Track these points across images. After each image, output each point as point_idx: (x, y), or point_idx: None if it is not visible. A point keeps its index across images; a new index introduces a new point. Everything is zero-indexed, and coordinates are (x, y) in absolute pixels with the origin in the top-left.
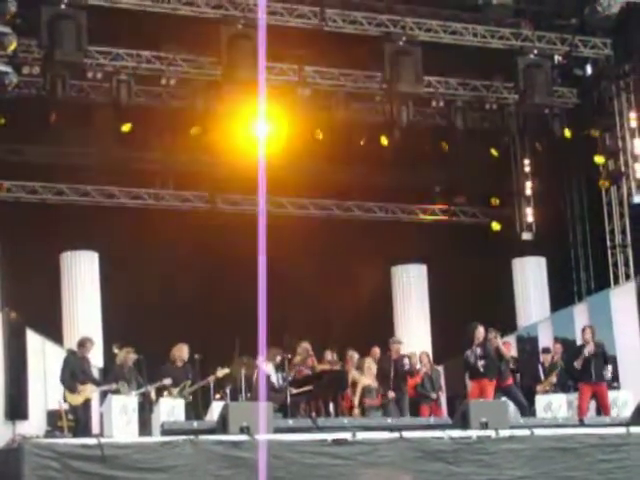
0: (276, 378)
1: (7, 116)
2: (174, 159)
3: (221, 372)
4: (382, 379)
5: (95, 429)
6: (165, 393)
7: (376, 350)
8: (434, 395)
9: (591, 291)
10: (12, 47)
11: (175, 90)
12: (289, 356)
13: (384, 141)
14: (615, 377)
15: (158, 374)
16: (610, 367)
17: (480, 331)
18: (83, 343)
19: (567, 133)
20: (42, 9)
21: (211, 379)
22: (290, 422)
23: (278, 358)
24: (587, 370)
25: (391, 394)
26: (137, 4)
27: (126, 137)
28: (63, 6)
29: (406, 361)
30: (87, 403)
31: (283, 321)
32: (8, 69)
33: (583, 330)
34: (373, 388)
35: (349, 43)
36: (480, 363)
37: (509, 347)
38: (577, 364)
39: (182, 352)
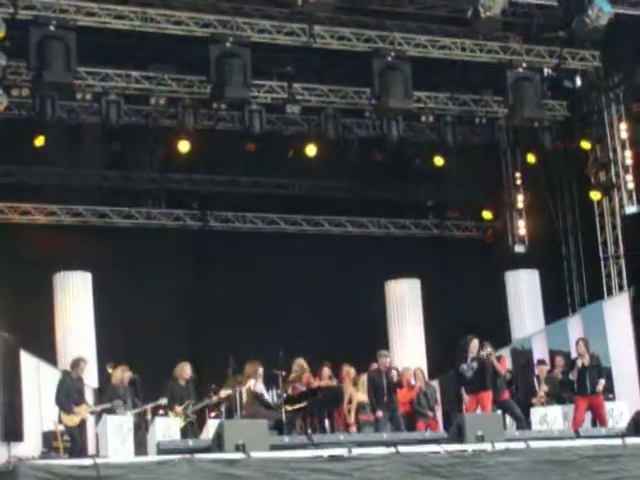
0: (269, 395)
1: None
2: (165, 178)
3: (224, 393)
4: (375, 393)
5: (91, 449)
6: (161, 412)
7: (375, 366)
8: (430, 413)
9: (585, 303)
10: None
11: (165, 109)
12: (284, 373)
13: (375, 156)
14: (610, 388)
15: (160, 392)
16: (603, 381)
17: (475, 344)
18: (77, 363)
19: (558, 146)
20: (31, 30)
21: (215, 399)
22: (286, 439)
23: (260, 370)
24: (582, 382)
25: (379, 413)
26: (126, 24)
27: (116, 157)
28: (52, 27)
29: (394, 373)
30: (83, 424)
31: (277, 337)
32: None
33: (577, 343)
34: (367, 404)
35: (338, 59)
36: (477, 375)
37: (504, 362)
38: (572, 376)
39: (184, 371)
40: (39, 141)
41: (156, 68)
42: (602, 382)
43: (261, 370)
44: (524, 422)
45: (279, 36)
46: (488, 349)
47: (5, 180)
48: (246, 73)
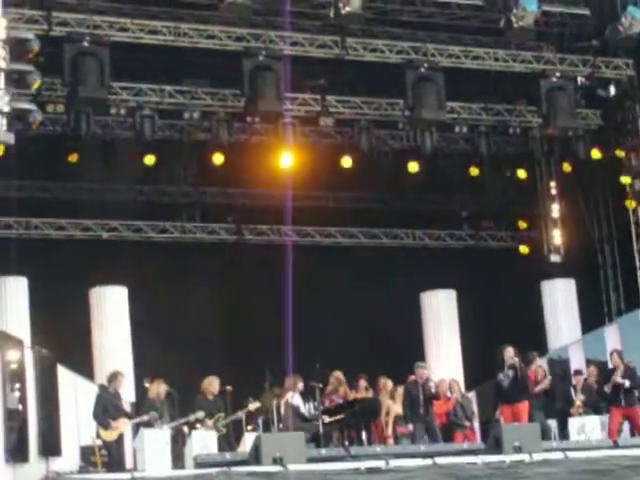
0: (306, 408)
1: (33, 154)
2: (199, 191)
3: (253, 405)
4: (410, 404)
5: (128, 464)
6: (198, 425)
7: (412, 378)
8: (467, 423)
9: (621, 312)
10: (36, 85)
11: (198, 123)
12: (320, 385)
13: (412, 168)
14: None
15: (190, 406)
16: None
17: (509, 352)
18: (115, 376)
19: (593, 154)
20: (65, 47)
21: (243, 412)
22: (323, 451)
23: (300, 385)
24: (617, 394)
25: (410, 427)
26: (159, 39)
27: (151, 171)
28: (85, 43)
29: (432, 384)
30: (120, 438)
31: (314, 350)
32: (32, 107)
33: (610, 354)
34: (403, 416)
35: (370, 71)
36: (513, 384)
37: (532, 374)
38: (607, 388)
39: (212, 385)
40: (73, 157)
41: (190, 82)
42: (627, 383)
43: (301, 384)
44: (549, 433)
45: (312, 48)
46: (536, 361)
47: (40, 196)
48: (279, 86)
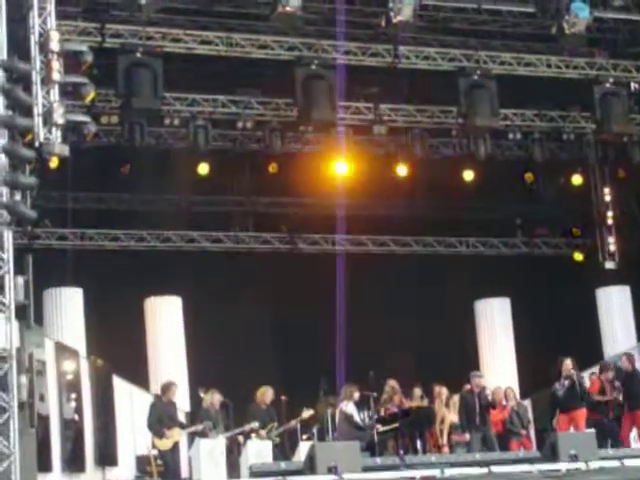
0: (360, 417)
1: (88, 165)
2: (253, 201)
3: (306, 413)
4: (466, 413)
5: (184, 473)
6: (253, 435)
7: (468, 387)
8: (523, 431)
9: None
10: (90, 97)
11: (252, 132)
12: (375, 394)
13: (467, 176)
14: None
15: (244, 415)
16: None
17: (567, 364)
18: (168, 387)
19: None
20: (118, 58)
21: (297, 421)
22: (378, 460)
23: (356, 395)
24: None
25: (467, 436)
26: (211, 49)
27: (205, 181)
28: (139, 54)
29: (487, 392)
30: (176, 447)
31: (368, 359)
32: (86, 119)
33: (620, 359)
34: (459, 424)
35: (423, 79)
36: (568, 393)
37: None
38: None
39: (266, 395)
40: (127, 168)
41: (242, 92)
42: None
43: (357, 394)
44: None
45: (365, 57)
46: (607, 373)
47: (95, 207)
48: (332, 95)
